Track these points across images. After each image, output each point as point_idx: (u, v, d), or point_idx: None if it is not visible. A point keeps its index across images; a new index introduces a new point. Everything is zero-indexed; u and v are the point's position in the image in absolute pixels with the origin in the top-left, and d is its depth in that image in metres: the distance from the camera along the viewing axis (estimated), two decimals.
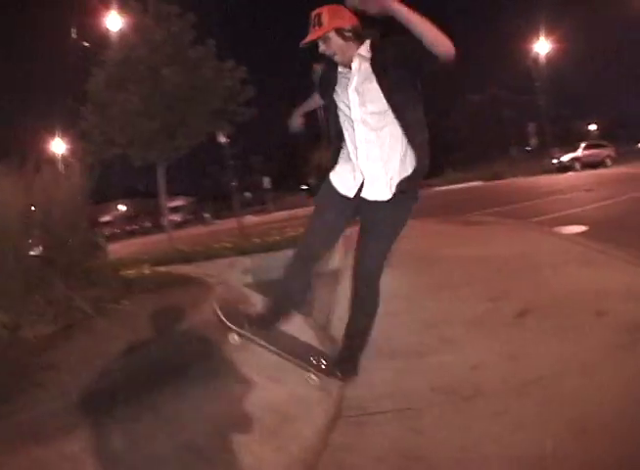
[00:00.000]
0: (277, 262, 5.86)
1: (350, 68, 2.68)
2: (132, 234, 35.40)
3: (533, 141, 47.05)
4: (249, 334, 2.97)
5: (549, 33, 39.01)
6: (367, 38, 2.68)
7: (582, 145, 34.86)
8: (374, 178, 2.71)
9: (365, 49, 2.66)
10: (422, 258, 6.53)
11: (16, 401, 2.17)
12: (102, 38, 13.03)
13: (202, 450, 2.12)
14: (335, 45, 2.65)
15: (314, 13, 2.62)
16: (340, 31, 2.61)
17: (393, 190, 2.67)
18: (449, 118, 66.49)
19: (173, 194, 30.74)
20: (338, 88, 2.78)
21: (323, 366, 2.92)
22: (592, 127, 69.40)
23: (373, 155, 2.69)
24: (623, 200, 12.05)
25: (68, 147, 22.22)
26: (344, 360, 2.99)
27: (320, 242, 2.92)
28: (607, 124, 69.66)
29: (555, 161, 36.36)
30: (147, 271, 5.18)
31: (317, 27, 2.61)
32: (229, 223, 25.69)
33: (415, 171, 2.68)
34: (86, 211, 4.36)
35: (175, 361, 2.68)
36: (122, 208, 50.20)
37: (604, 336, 3.22)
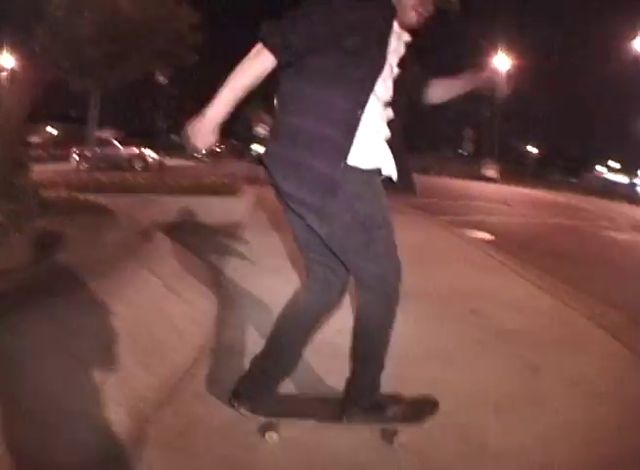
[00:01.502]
0: (184, 206, 6.76)
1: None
2: (55, 158, 33.74)
3: (469, 146, 48.84)
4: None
5: (510, 49, 40.23)
6: None
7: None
8: None
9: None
10: None
11: None
12: None
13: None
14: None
15: None
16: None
17: None
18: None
19: (104, 125, 29.72)
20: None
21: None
22: (532, 149, 72.89)
23: None
24: (537, 222, 12.78)
25: (17, 62, 22.70)
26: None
27: None
28: (546, 151, 73.41)
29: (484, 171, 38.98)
30: (63, 195, 5.39)
31: None
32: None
33: None
34: (20, 128, 4.39)
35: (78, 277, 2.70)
36: (52, 131, 47.95)
37: (471, 331, 3.62)
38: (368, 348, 2.24)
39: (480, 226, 10.06)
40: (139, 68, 10.75)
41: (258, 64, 1.90)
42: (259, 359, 2.31)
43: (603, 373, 3.20)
